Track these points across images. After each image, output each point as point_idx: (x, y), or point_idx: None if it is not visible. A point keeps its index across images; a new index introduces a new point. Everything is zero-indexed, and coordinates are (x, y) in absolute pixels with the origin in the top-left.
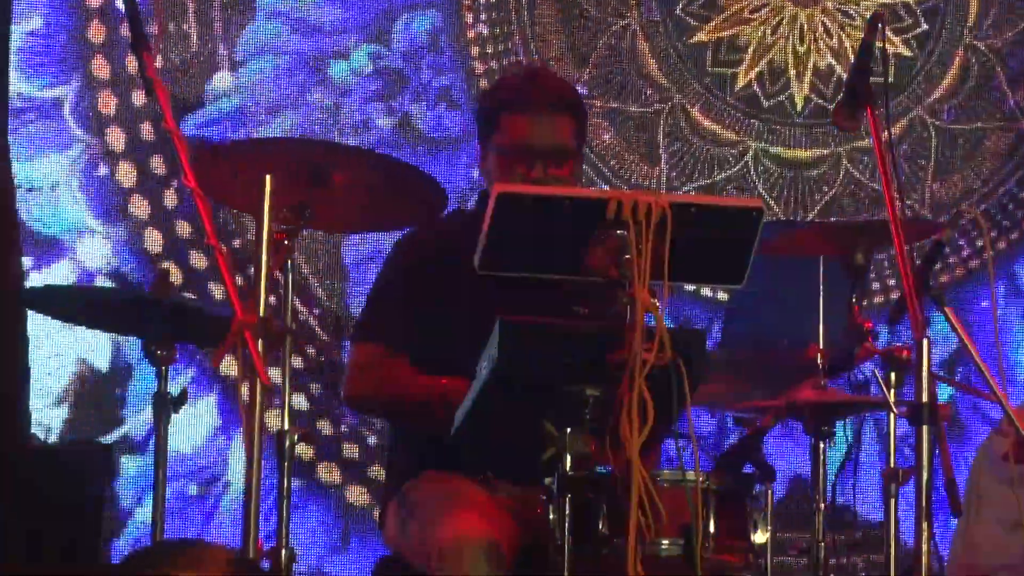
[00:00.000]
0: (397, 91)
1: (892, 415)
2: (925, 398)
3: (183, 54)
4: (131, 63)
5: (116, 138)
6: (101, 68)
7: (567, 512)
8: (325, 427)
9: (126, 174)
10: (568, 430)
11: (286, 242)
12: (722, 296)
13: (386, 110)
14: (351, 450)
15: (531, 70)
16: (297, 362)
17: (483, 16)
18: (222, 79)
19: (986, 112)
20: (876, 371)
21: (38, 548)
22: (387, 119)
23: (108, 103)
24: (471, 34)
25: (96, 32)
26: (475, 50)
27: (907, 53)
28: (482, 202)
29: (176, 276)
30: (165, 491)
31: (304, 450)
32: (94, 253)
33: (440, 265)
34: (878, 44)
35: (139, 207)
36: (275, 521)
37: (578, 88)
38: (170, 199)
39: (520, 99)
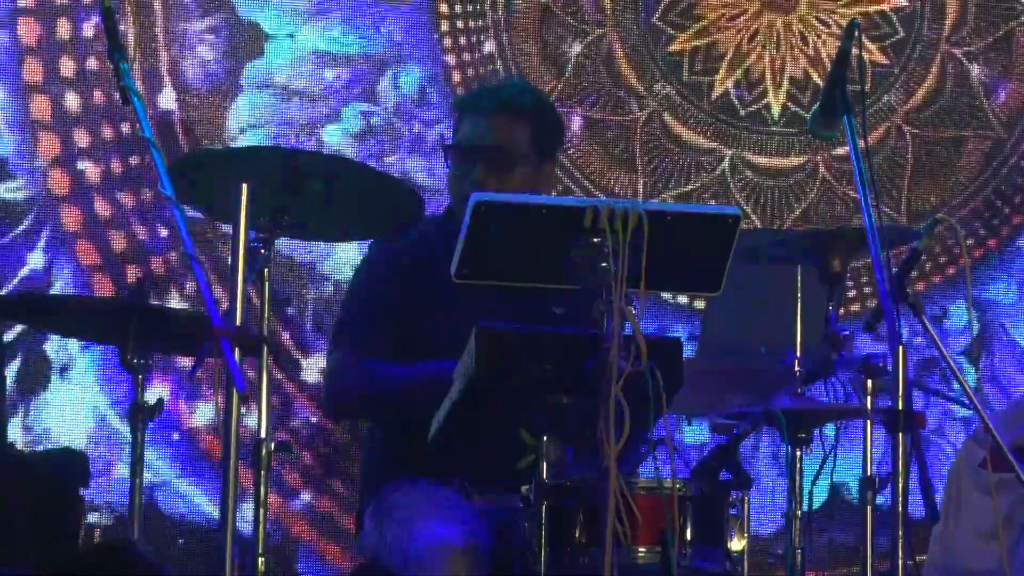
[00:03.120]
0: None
1: (868, 422)
2: (901, 405)
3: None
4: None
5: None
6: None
7: (543, 520)
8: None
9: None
10: (545, 438)
11: (262, 250)
12: (699, 304)
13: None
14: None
15: (499, 81)
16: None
17: (459, 24)
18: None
19: (963, 119)
20: (853, 378)
21: (12, 555)
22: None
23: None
24: (447, 42)
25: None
26: (451, 58)
27: (884, 60)
28: (451, 207)
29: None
30: (141, 498)
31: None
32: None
33: (416, 271)
34: (854, 52)
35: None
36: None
37: (554, 96)
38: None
39: (475, 103)
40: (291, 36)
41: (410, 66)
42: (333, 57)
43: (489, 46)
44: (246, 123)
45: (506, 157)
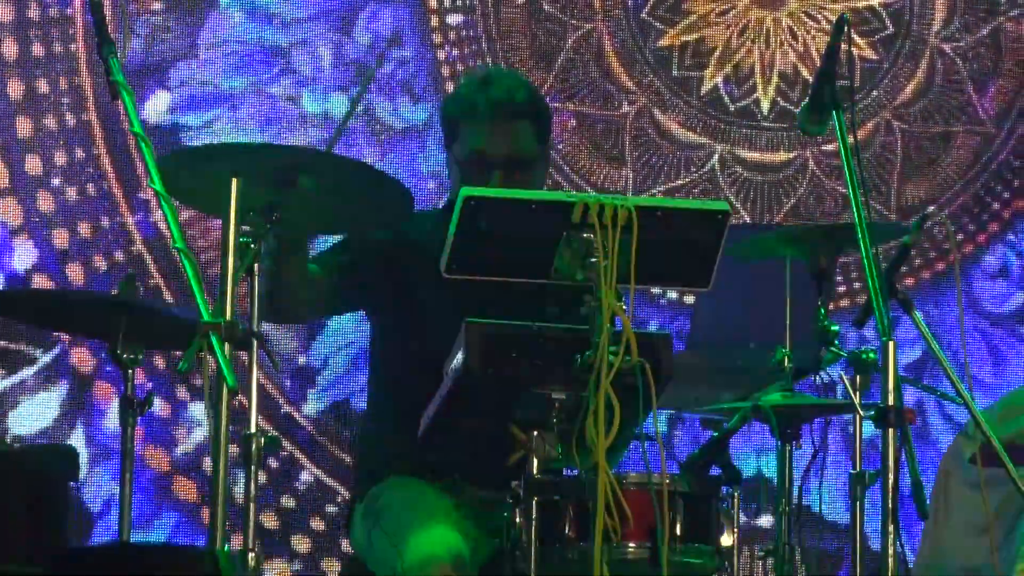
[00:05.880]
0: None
1: (858, 418)
2: (891, 401)
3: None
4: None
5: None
6: None
7: (533, 515)
8: None
9: None
10: (535, 433)
11: (252, 245)
12: (689, 299)
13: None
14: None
15: (485, 76)
16: None
17: (448, 19)
18: (182, 69)
19: (952, 115)
20: (842, 374)
21: (1, 549)
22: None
23: None
24: (437, 37)
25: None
26: (441, 54)
27: (873, 56)
28: (449, 204)
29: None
30: (132, 492)
31: None
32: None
33: (407, 265)
34: (844, 47)
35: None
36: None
37: (544, 91)
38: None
39: (473, 109)
40: None
41: (389, 6)
42: None
43: (479, 42)
44: (215, 41)
45: (525, 162)
